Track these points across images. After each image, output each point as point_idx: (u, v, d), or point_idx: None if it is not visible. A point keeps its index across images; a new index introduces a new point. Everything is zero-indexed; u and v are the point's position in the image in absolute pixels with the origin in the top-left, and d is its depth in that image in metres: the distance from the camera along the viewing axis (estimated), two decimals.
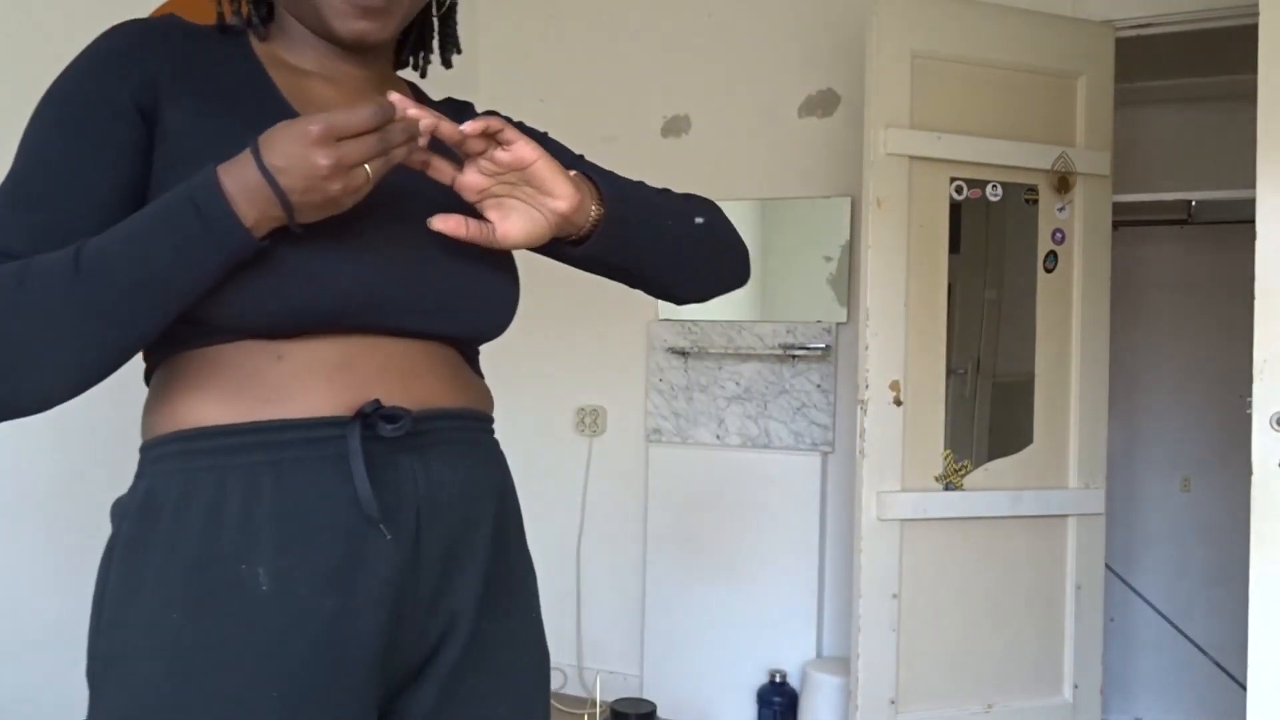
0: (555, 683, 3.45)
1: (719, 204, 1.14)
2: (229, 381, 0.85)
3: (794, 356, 3.17)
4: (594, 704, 3.25)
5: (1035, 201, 2.75)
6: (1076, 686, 2.78)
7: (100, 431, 2.06)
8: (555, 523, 3.51)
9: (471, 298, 0.96)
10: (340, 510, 0.84)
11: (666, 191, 1.09)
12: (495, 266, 0.97)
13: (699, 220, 1.07)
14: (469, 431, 0.97)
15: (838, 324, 3.14)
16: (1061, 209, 2.77)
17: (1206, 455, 3.32)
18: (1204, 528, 3.32)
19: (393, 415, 0.86)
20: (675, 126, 3.38)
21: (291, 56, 0.98)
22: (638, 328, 3.41)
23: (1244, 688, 1.76)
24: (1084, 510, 2.78)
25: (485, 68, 3.65)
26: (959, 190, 2.68)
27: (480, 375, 1.05)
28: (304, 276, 0.84)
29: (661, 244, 1.03)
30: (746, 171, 3.27)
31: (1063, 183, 2.75)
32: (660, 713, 3.14)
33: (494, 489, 0.98)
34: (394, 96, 0.81)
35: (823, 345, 3.13)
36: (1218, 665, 3.24)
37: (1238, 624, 2.06)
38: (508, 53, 3.62)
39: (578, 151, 1.11)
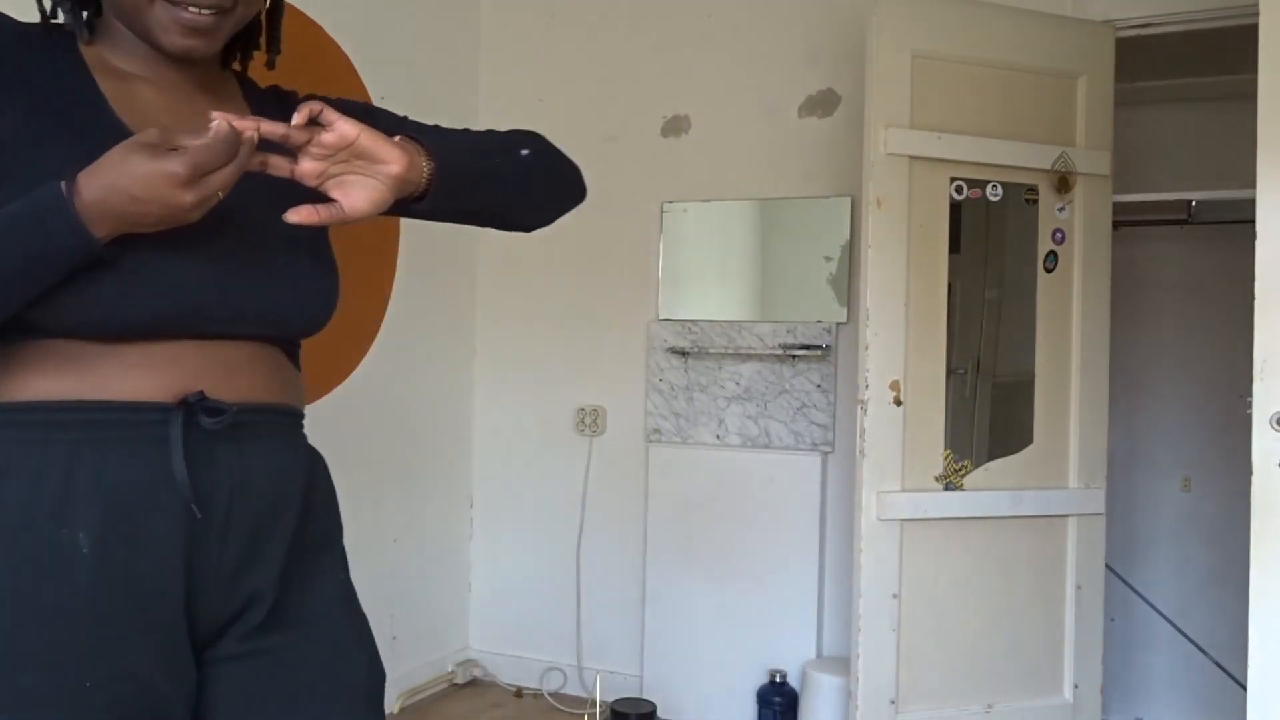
0: (555, 683, 3.46)
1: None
2: (58, 364, 0.92)
3: (794, 356, 3.17)
4: (594, 704, 3.25)
5: (1035, 201, 2.75)
6: (1077, 686, 2.78)
7: None
8: (555, 523, 3.52)
9: (290, 301, 1.03)
10: (159, 488, 0.92)
11: (491, 132, 1.18)
12: (315, 265, 1.05)
13: (525, 153, 1.15)
14: (281, 426, 1.06)
15: (838, 324, 3.14)
16: (1061, 209, 2.77)
17: (1207, 455, 3.32)
18: (1204, 528, 3.32)
19: (215, 409, 0.95)
20: (675, 126, 3.38)
21: (116, 59, 1.01)
22: (638, 328, 3.41)
23: (1244, 688, 1.76)
24: (1084, 510, 2.78)
25: (485, 68, 3.65)
26: (959, 190, 2.68)
27: (299, 369, 1.12)
28: (133, 289, 0.91)
29: (496, 181, 1.12)
30: (746, 171, 3.27)
31: (1063, 183, 2.75)
32: (660, 713, 3.14)
33: (301, 477, 1.07)
34: (224, 117, 0.87)
35: (823, 345, 3.13)
36: (1218, 665, 3.23)
37: (1238, 624, 2.05)
38: (508, 53, 3.62)
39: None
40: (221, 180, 0.86)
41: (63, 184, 0.84)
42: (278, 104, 1.12)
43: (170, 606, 0.94)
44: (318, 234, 1.05)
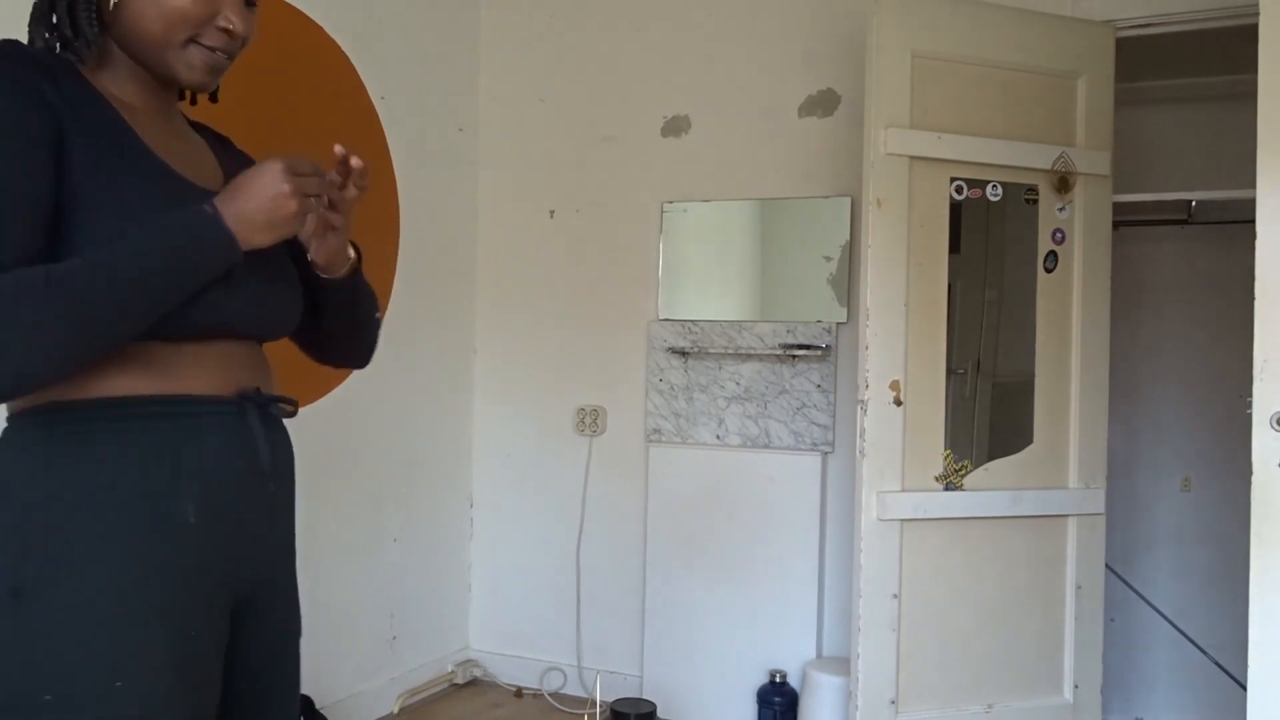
0: (555, 683, 3.46)
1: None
2: (138, 365, 1.06)
3: (794, 356, 3.17)
4: (594, 704, 3.25)
5: (1035, 201, 2.75)
6: (1077, 686, 2.78)
7: None
8: (555, 523, 3.52)
9: (284, 311, 1.22)
10: (245, 470, 1.12)
11: None
12: (292, 282, 1.24)
13: (376, 315, 1.37)
14: (280, 412, 1.21)
15: (838, 324, 3.14)
16: (1061, 209, 2.77)
17: (1207, 455, 3.32)
18: (1204, 528, 3.32)
19: (271, 400, 1.16)
20: (675, 126, 3.38)
21: (115, 88, 1.13)
22: (638, 328, 3.41)
23: (1244, 688, 1.76)
24: (1084, 510, 2.78)
25: (485, 68, 3.65)
26: (959, 190, 2.68)
27: None
28: (207, 298, 1.07)
29: (367, 311, 1.34)
30: (746, 171, 3.27)
31: (1063, 183, 2.75)
32: (660, 713, 3.14)
33: (289, 476, 1.25)
34: (342, 149, 1.16)
35: (823, 345, 3.13)
36: (1218, 665, 3.23)
37: (1238, 624, 2.06)
38: (508, 53, 3.62)
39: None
40: (318, 202, 1.12)
41: (206, 207, 1.04)
42: (218, 141, 1.30)
43: (243, 570, 1.14)
44: (287, 257, 1.23)
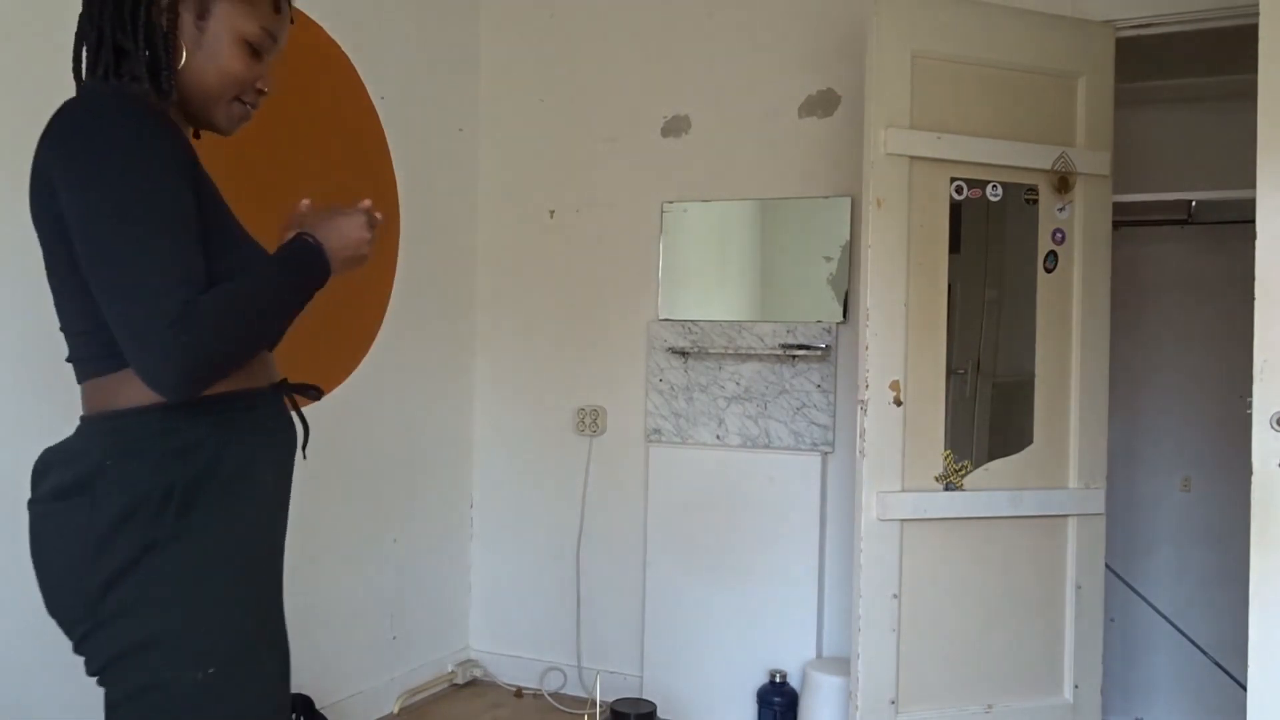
0: (555, 683, 3.46)
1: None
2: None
3: (794, 356, 3.17)
4: (594, 704, 3.25)
5: (1035, 201, 2.75)
6: (1077, 686, 2.78)
7: None
8: (555, 523, 3.52)
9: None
10: (291, 443, 1.42)
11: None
12: None
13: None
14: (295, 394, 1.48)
15: (838, 324, 3.14)
16: (1061, 209, 2.77)
17: (1207, 455, 3.31)
18: (1204, 528, 3.32)
19: (300, 388, 1.45)
20: (675, 126, 3.38)
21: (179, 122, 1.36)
22: (638, 328, 3.41)
23: (1244, 688, 1.76)
24: (1084, 510, 2.78)
25: (485, 68, 3.65)
26: (959, 190, 2.68)
27: None
28: None
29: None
30: (746, 171, 3.27)
31: (1063, 183, 2.75)
32: (660, 713, 3.14)
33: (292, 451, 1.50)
34: (369, 204, 1.45)
35: (823, 345, 3.13)
36: (1218, 665, 3.23)
37: (1238, 624, 2.06)
38: (508, 53, 3.62)
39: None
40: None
41: (311, 241, 1.34)
42: None
43: (285, 522, 1.44)
44: None
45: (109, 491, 1.21)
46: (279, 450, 1.39)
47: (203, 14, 1.30)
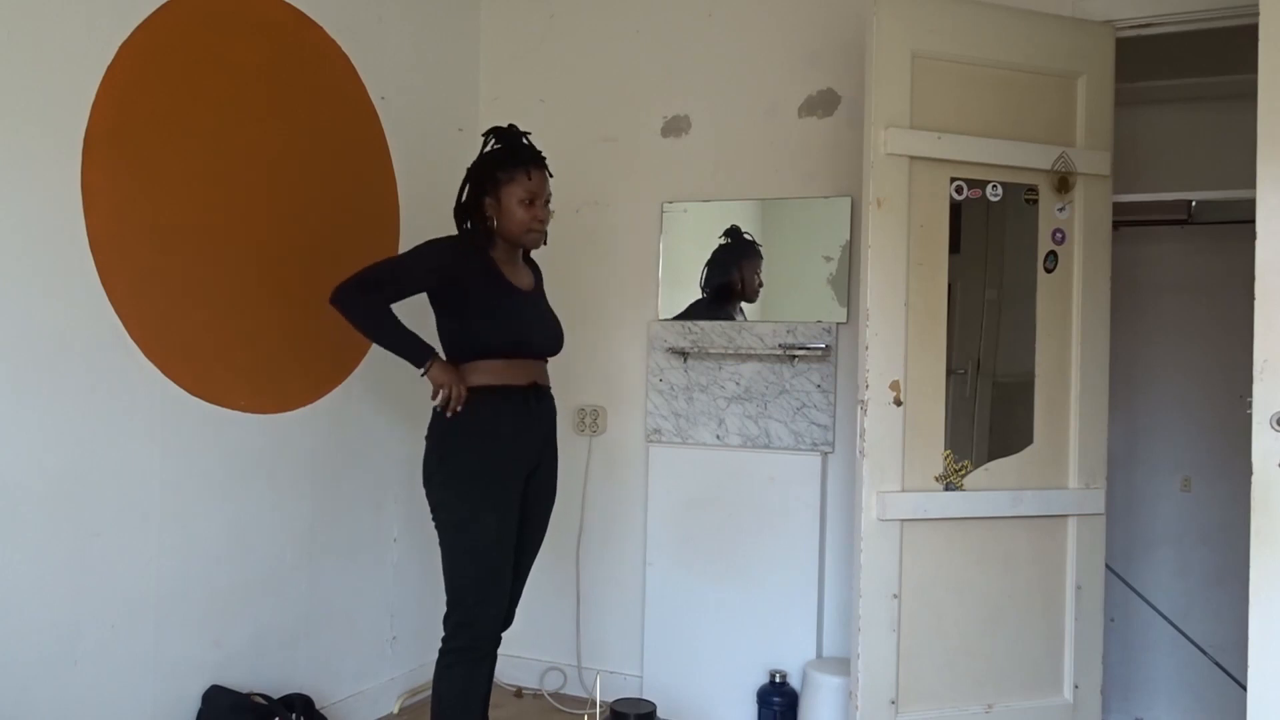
0: (555, 683, 3.46)
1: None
2: (497, 368, 2.35)
3: (794, 356, 3.17)
4: (594, 704, 3.25)
5: (1035, 201, 2.75)
6: (1077, 687, 2.78)
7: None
8: (555, 523, 3.49)
9: (554, 340, 2.49)
10: (533, 416, 2.42)
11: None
12: (556, 325, 2.52)
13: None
14: (552, 397, 2.50)
15: (838, 324, 3.14)
16: (1061, 209, 2.77)
17: (1207, 455, 3.31)
18: (1204, 528, 3.32)
19: (543, 388, 2.46)
20: (675, 126, 3.38)
21: (498, 254, 2.42)
22: (638, 328, 3.41)
23: (1244, 688, 1.76)
24: (1084, 510, 2.78)
25: (485, 68, 3.65)
26: (959, 190, 2.69)
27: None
28: (525, 335, 2.40)
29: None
30: (746, 171, 3.27)
31: (1063, 183, 2.75)
32: (660, 713, 3.14)
33: (552, 420, 2.51)
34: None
35: (823, 345, 3.13)
36: (1218, 665, 3.23)
37: (1238, 624, 2.06)
38: (508, 53, 3.62)
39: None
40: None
41: (430, 353, 2.33)
42: (526, 264, 2.56)
43: (528, 460, 2.41)
44: (552, 311, 2.54)
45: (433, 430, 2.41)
46: (520, 417, 2.37)
47: (496, 196, 2.38)
